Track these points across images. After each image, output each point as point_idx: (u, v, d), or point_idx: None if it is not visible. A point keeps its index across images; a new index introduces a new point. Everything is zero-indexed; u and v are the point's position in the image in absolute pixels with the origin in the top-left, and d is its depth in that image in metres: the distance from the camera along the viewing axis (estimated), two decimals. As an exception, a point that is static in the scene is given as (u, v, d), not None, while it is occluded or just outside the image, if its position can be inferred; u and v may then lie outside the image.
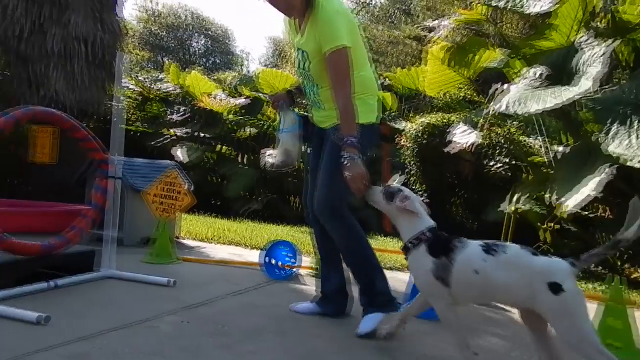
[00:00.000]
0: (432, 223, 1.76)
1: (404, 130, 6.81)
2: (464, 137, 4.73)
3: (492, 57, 4.84)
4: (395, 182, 6.37)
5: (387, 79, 7.88)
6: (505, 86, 4.29)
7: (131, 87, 8.81)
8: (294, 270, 3.30)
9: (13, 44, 5.23)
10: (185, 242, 4.55)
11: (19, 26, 5.16)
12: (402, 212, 1.77)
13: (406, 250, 1.75)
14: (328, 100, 2.21)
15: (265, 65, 31.85)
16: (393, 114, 7.77)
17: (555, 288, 1.46)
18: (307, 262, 3.69)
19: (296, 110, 2.46)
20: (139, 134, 8.78)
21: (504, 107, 3.88)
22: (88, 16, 5.36)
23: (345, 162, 1.99)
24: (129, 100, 8.58)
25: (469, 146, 4.63)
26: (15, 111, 2.41)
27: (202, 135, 8.46)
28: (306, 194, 2.44)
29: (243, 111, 8.29)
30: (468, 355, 1.67)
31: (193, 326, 2.11)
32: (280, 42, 34.40)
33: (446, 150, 4.90)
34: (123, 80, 3.38)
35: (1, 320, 1.98)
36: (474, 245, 1.63)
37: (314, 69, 2.18)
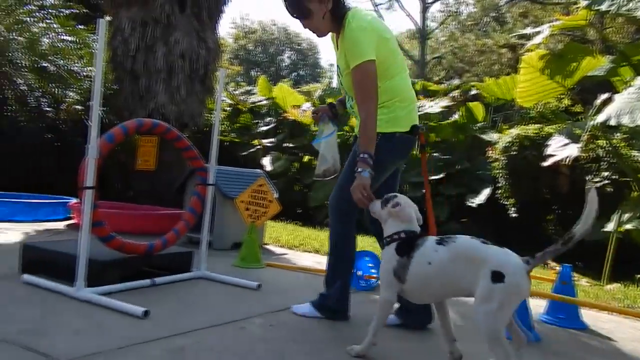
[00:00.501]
0: (415, 228, 1.88)
1: (494, 142, 6.53)
2: (561, 149, 4.43)
3: (594, 65, 4.50)
4: (483, 194, 6.11)
5: (476, 89, 7.61)
6: (610, 95, 3.96)
7: (224, 99, 9.33)
8: (376, 280, 3.28)
9: (124, 61, 5.80)
10: (270, 248, 4.71)
11: (133, 45, 5.71)
12: (391, 215, 1.91)
13: (382, 246, 1.95)
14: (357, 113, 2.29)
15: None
16: (481, 124, 7.49)
17: (497, 277, 1.53)
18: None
19: (336, 122, 2.56)
20: (227, 143, 9.27)
21: (609, 118, 3.59)
22: (190, 35, 5.79)
23: (355, 175, 2.09)
24: (222, 112, 9.10)
25: (567, 159, 4.33)
26: (128, 122, 2.67)
27: (287, 145, 8.73)
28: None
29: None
30: (369, 340, 1.89)
31: (278, 330, 2.18)
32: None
33: (543, 164, 4.62)
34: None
35: (109, 312, 2.19)
36: (430, 240, 1.77)
37: (346, 83, 2.30)
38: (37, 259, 2.73)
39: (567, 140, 4.51)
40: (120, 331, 1.96)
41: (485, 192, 6.13)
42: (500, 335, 1.53)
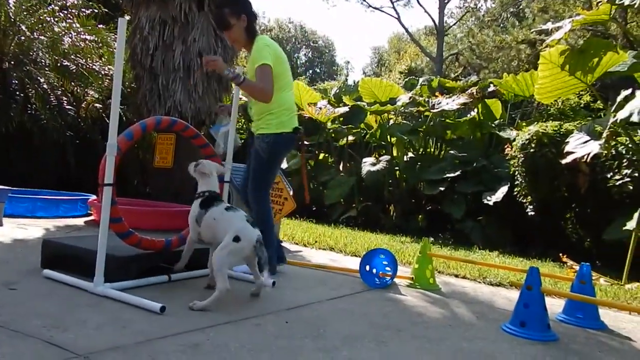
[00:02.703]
0: (213, 188, 2.72)
1: (512, 139, 6.45)
2: (581, 146, 4.34)
3: (616, 60, 4.40)
4: (500, 192, 6.03)
5: (494, 85, 7.51)
6: (632, 91, 3.86)
7: (240, 97, 9.36)
8: (391, 278, 3.26)
9: (143, 60, 5.85)
10: (285, 245, 4.72)
11: (152, 43, 5.76)
12: (198, 175, 2.73)
13: (194, 198, 2.72)
14: (257, 113, 3.18)
15: (367, 75, 32.05)
16: (499, 121, 7.39)
17: (236, 238, 2.40)
18: (405, 271, 3.65)
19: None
20: (243, 141, 9.31)
21: (631, 115, 3.50)
22: (208, 33, 5.82)
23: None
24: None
25: (586, 157, 4.24)
26: (147, 119, 2.70)
27: (303, 142, 8.73)
28: (244, 180, 3.39)
29: (341, 119, 8.41)
30: (180, 266, 2.78)
31: (293, 327, 2.18)
32: (384, 51, 34.38)
33: (562, 161, 4.54)
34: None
35: (127, 307, 2.22)
36: (222, 205, 2.62)
37: None
38: (57, 254, 2.79)
39: (587, 138, 4.42)
40: (138, 326, 1.99)
41: (503, 190, 6.05)
42: (221, 268, 2.34)
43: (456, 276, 3.86)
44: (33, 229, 4.21)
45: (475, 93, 7.38)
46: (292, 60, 35.43)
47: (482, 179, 6.47)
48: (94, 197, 5.54)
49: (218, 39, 5.85)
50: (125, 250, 2.66)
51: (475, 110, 7.36)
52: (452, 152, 7.18)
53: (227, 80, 3.19)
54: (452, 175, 6.62)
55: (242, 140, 3.54)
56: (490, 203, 6.03)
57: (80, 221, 5.03)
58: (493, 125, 7.21)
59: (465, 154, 6.92)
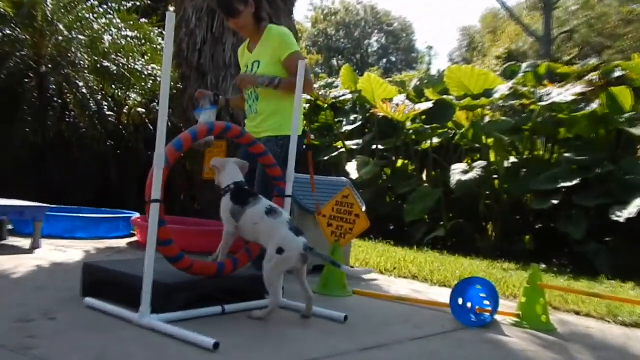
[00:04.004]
0: (237, 179, 2.97)
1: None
2: None
3: None
4: (634, 206, 5.70)
5: (621, 69, 7.15)
6: None
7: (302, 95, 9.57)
8: (491, 315, 3.17)
9: (190, 56, 6.13)
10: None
11: (199, 37, 6.04)
12: (216, 172, 3.05)
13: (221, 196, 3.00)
14: (263, 111, 3.51)
15: (455, 62, 31.58)
16: (629, 115, 6.99)
17: (279, 250, 2.69)
18: (509, 306, 3.55)
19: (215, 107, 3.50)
20: (305, 147, 9.47)
21: None
22: (263, 22, 6.01)
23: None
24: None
25: None
26: (197, 126, 2.83)
27: (376, 147, 8.75)
28: None
29: (423, 117, 8.33)
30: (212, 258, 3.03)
31: (370, 372, 2.18)
32: (475, 32, 33.75)
33: None
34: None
35: (176, 342, 2.32)
36: (260, 204, 2.85)
37: (262, 72, 3.45)
38: (98, 280, 2.97)
39: None
40: (188, 365, 2.07)
41: (637, 204, 5.74)
42: (272, 281, 2.73)
43: (577, 313, 3.72)
44: (72, 252, 4.53)
45: (596, 80, 7.09)
46: (362, 48, 35.75)
47: (609, 189, 6.22)
48: (137, 215, 5.86)
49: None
50: (173, 276, 2.79)
51: (597, 101, 7.04)
52: (567, 155, 6.94)
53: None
54: (568, 184, 6.40)
55: None
56: (621, 220, 5.75)
57: (122, 242, 5.34)
58: (621, 119, 6.85)
59: (585, 157, 6.66)
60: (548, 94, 7.19)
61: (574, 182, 6.38)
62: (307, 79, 3.29)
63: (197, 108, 3.47)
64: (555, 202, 6.41)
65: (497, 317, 3.28)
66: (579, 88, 7.02)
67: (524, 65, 9.36)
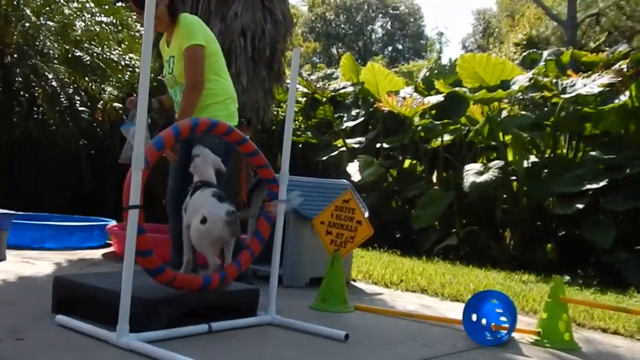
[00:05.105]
0: (208, 179, 3.15)
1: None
2: None
3: None
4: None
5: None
6: None
7: (298, 87, 9.56)
8: (508, 333, 3.19)
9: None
10: (360, 285, 4.74)
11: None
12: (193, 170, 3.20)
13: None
14: None
15: (468, 49, 31.59)
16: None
17: (203, 220, 2.91)
18: (528, 323, 3.56)
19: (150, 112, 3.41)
20: (301, 145, 9.48)
21: None
22: (254, 5, 6.01)
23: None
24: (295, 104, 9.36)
25: None
26: (180, 122, 2.84)
27: (381, 145, 8.77)
28: (174, 185, 3.61)
29: (433, 112, 8.35)
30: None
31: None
32: (491, 16, 33.79)
33: None
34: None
35: (159, 364, 2.34)
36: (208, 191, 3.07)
37: (177, 69, 3.46)
38: (71, 295, 2.98)
39: None
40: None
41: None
42: (206, 250, 2.99)
43: (604, 330, 3.73)
44: (41, 264, 4.53)
45: (626, 69, 7.12)
46: (364, 34, 35.75)
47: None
48: (113, 222, 5.87)
49: (266, 12, 6.05)
50: (153, 291, 2.79)
51: (628, 93, 7.07)
52: (593, 153, 6.98)
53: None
54: (595, 186, 6.44)
55: None
56: (654, 226, 5.77)
57: (97, 253, 5.35)
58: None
59: (613, 156, 6.68)
60: (572, 85, 7.21)
61: (601, 184, 6.40)
62: (193, 68, 3.33)
63: (124, 123, 3.45)
64: (580, 206, 6.42)
65: (515, 334, 3.29)
66: (606, 78, 7.04)
67: (546, 53, 9.40)
